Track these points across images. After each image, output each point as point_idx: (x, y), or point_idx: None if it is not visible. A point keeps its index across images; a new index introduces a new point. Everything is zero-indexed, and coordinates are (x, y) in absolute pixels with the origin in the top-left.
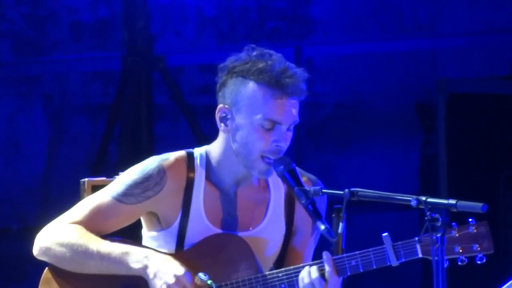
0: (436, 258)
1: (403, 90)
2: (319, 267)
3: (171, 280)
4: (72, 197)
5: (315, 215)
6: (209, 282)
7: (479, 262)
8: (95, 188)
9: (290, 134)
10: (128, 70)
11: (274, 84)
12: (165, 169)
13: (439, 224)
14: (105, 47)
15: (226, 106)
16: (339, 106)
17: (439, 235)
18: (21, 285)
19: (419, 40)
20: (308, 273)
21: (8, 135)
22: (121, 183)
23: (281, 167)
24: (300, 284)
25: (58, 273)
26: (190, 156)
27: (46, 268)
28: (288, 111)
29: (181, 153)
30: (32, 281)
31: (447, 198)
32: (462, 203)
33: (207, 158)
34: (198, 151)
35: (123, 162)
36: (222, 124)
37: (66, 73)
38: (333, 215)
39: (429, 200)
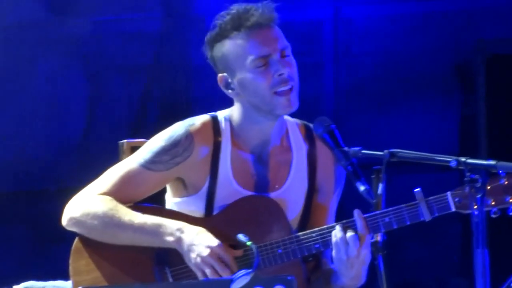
0: (474, 211)
1: (442, 51)
2: (352, 225)
3: (205, 252)
4: (110, 158)
5: (355, 176)
6: (248, 243)
7: (511, 213)
8: (134, 149)
9: (290, 59)
10: (167, 31)
11: (243, 26)
12: (193, 134)
13: (478, 185)
14: (143, 7)
15: (224, 73)
16: (378, 67)
17: (479, 195)
18: (60, 246)
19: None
20: (342, 231)
21: (47, 96)
22: (149, 150)
23: (321, 129)
24: (333, 241)
25: (88, 242)
26: (215, 120)
27: (77, 238)
28: (268, 40)
29: (206, 117)
30: (71, 243)
31: (487, 159)
32: (502, 163)
33: (230, 121)
34: (221, 114)
35: (161, 123)
36: (229, 91)
37: (104, 33)
38: (373, 176)
39: (469, 161)
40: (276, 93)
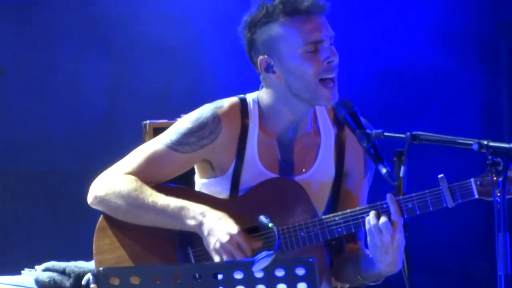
0: (497, 198)
1: (465, 33)
2: (384, 211)
3: (225, 238)
4: (134, 139)
5: (377, 158)
6: (270, 224)
7: None
8: (157, 130)
9: (333, 48)
10: (192, 11)
11: (297, 11)
12: (220, 117)
13: (500, 168)
14: None
15: (265, 56)
16: (402, 49)
17: (500, 178)
18: (83, 227)
19: None
20: (375, 218)
21: (70, 77)
22: (175, 131)
23: (343, 111)
24: (367, 228)
25: (113, 221)
26: (244, 102)
27: (101, 216)
28: (322, 27)
29: (235, 99)
30: (93, 224)
31: (509, 142)
32: None
33: (259, 104)
34: (250, 97)
35: (184, 104)
36: (270, 74)
37: (128, 14)
38: (395, 159)
39: (491, 144)
40: (321, 80)
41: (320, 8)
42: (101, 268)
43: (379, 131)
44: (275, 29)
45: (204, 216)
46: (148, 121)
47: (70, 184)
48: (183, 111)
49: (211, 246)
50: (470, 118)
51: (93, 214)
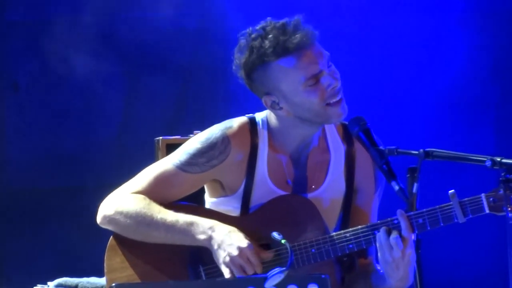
0: (510, 214)
1: (480, 50)
2: (394, 226)
3: (235, 252)
4: (147, 155)
5: (390, 175)
6: (283, 241)
7: None
8: (170, 146)
9: (334, 68)
10: (205, 28)
11: (289, 50)
12: (229, 137)
13: None
14: (182, 6)
15: (269, 94)
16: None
17: None
18: (97, 243)
19: None
20: (385, 234)
21: (84, 94)
22: (185, 152)
23: (356, 127)
24: (378, 245)
25: (123, 240)
26: (253, 122)
27: (112, 236)
28: (317, 58)
29: (244, 119)
30: (107, 240)
31: None
32: None
33: (268, 124)
34: (259, 116)
35: (198, 121)
36: (278, 110)
37: (142, 30)
38: (408, 175)
39: (504, 160)
40: (328, 104)
41: (311, 40)
42: (113, 284)
43: (393, 147)
44: (271, 70)
45: (213, 230)
46: (161, 137)
47: (83, 200)
48: (196, 127)
49: (221, 260)
50: (483, 135)
51: (107, 230)
